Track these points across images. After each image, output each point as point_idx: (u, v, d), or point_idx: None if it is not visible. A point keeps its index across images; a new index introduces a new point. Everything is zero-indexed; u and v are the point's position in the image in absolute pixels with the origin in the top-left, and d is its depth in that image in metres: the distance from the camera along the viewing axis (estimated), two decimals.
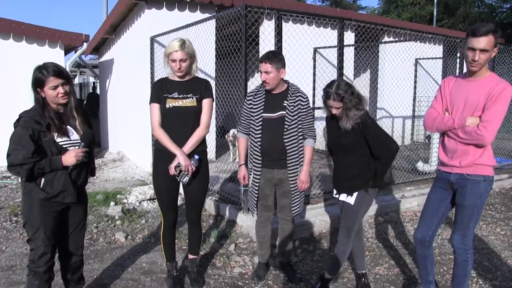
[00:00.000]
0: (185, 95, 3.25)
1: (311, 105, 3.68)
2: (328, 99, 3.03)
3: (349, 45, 9.00)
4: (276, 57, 3.36)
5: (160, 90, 3.27)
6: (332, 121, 3.21)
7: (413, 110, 10.64)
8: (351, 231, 3.26)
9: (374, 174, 3.16)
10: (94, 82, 18.92)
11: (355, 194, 3.18)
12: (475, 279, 3.73)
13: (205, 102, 3.32)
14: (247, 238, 4.58)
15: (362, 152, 3.14)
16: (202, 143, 3.38)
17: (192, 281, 3.58)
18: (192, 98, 3.26)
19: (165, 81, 3.34)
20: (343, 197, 3.25)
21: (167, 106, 3.22)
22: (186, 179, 3.23)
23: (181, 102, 3.24)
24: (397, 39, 9.94)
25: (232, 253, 4.28)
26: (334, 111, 3.06)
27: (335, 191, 3.37)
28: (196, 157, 3.27)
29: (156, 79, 7.42)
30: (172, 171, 3.19)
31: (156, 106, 3.26)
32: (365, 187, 3.19)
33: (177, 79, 3.30)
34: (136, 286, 3.59)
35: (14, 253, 4.23)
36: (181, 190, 3.47)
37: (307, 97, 3.50)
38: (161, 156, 3.32)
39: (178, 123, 3.25)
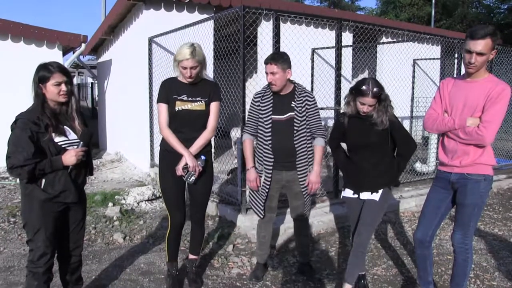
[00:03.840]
0: (194, 98, 3.27)
1: None
2: (363, 96, 2.99)
3: (347, 46, 9.00)
4: (281, 57, 3.36)
5: (169, 90, 3.27)
6: (355, 119, 3.18)
7: (411, 111, 10.65)
8: (374, 229, 3.26)
9: (397, 172, 3.20)
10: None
11: (380, 191, 3.17)
12: (473, 280, 3.74)
13: (213, 106, 3.34)
14: (245, 239, 4.58)
15: (387, 149, 3.16)
16: (208, 143, 3.41)
17: (190, 281, 3.58)
18: (201, 102, 3.29)
19: (174, 81, 3.32)
20: (365, 195, 3.20)
21: (176, 109, 3.24)
22: (192, 179, 3.27)
23: (189, 105, 3.26)
24: (395, 39, 9.96)
25: (230, 253, 4.28)
26: (366, 109, 3.03)
27: (348, 191, 3.31)
28: (203, 157, 3.32)
29: (154, 79, 7.43)
30: (179, 172, 3.23)
31: (164, 106, 3.27)
32: (390, 184, 3.21)
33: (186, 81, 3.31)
34: (134, 286, 3.59)
35: (12, 254, 4.23)
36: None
37: (313, 96, 3.49)
38: (167, 156, 3.34)
39: (186, 126, 3.28)
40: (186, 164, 3.20)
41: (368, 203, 3.20)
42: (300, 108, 3.38)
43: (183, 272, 3.73)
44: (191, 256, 3.64)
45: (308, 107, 3.42)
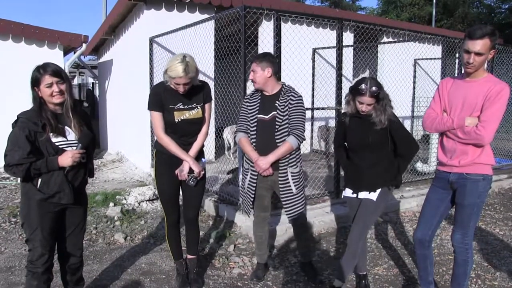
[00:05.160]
0: (190, 106, 3.28)
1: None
2: (362, 95, 2.98)
3: (348, 46, 9.01)
4: (263, 57, 3.44)
5: (163, 98, 3.23)
6: (355, 119, 3.17)
7: (412, 111, 10.65)
8: (367, 228, 3.25)
9: (397, 172, 3.19)
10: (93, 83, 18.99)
11: (378, 190, 3.16)
12: (474, 279, 3.73)
13: (207, 108, 3.38)
14: (246, 239, 4.58)
15: (387, 149, 3.15)
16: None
17: (191, 281, 3.58)
18: (197, 108, 3.31)
19: (165, 89, 3.23)
20: (363, 194, 3.20)
21: (176, 120, 3.24)
22: (195, 181, 3.34)
23: (187, 114, 3.27)
24: (396, 39, 9.95)
25: (231, 253, 4.28)
26: (365, 108, 3.03)
27: (348, 190, 3.31)
28: (204, 160, 3.41)
29: (155, 79, 7.43)
30: (184, 177, 3.28)
31: (158, 115, 3.25)
32: (389, 184, 3.20)
33: None
34: (135, 287, 3.59)
35: (13, 254, 4.23)
36: None
37: (298, 96, 3.45)
38: (163, 158, 3.37)
39: (184, 134, 3.32)
40: (192, 171, 3.28)
41: (364, 202, 3.20)
42: (282, 107, 3.39)
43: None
44: (189, 256, 3.65)
45: (291, 105, 3.40)
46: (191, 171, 3.29)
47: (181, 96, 3.24)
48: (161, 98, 3.24)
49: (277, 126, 3.38)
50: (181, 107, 3.25)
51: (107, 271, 3.87)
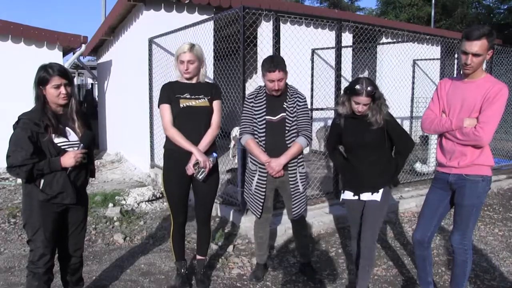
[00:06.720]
0: (197, 96, 3.31)
1: (309, 106, 3.67)
2: (358, 95, 2.98)
3: (347, 46, 9.01)
4: (283, 62, 3.32)
5: (171, 91, 3.30)
6: (350, 120, 3.17)
7: (411, 111, 10.65)
8: (378, 230, 3.25)
9: (395, 170, 3.20)
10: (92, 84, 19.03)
11: (380, 190, 3.15)
12: (473, 280, 3.74)
13: (216, 104, 3.38)
14: (245, 240, 4.58)
15: (384, 148, 3.15)
16: (213, 142, 3.43)
17: (198, 282, 3.58)
18: (204, 99, 3.32)
19: (174, 83, 3.39)
20: (365, 196, 3.18)
21: (181, 105, 3.25)
22: (203, 175, 3.24)
23: (194, 102, 3.29)
24: (395, 40, 9.96)
25: (230, 254, 4.28)
26: (361, 108, 3.02)
27: (348, 193, 3.28)
28: (215, 154, 3.36)
29: (154, 80, 7.43)
30: (191, 170, 3.23)
31: (167, 107, 3.29)
32: (389, 183, 3.21)
33: (186, 81, 3.34)
34: (134, 287, 3.60)
35: (13, 255, 4.23)
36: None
37: (304, 97, 3.50)
38: (173, 157, 3.34)
39: (191, 123, 3.29)
40: (197, 161, 3.21)
41: (369, 205, 3.18)
42: (291, 109, 3.39)
43: (192, 270, 3.75)
44: (198, 257, 3.64)
45: (299, 107, 3.42)
46: (200, 164, 3.22)
47: (189, 87, 3.30)
48: (170, 91, 3.30)
49: (287, 128, 3.38)
50: (188, 96, 3.28)
51: (106, 271, 3.87)
